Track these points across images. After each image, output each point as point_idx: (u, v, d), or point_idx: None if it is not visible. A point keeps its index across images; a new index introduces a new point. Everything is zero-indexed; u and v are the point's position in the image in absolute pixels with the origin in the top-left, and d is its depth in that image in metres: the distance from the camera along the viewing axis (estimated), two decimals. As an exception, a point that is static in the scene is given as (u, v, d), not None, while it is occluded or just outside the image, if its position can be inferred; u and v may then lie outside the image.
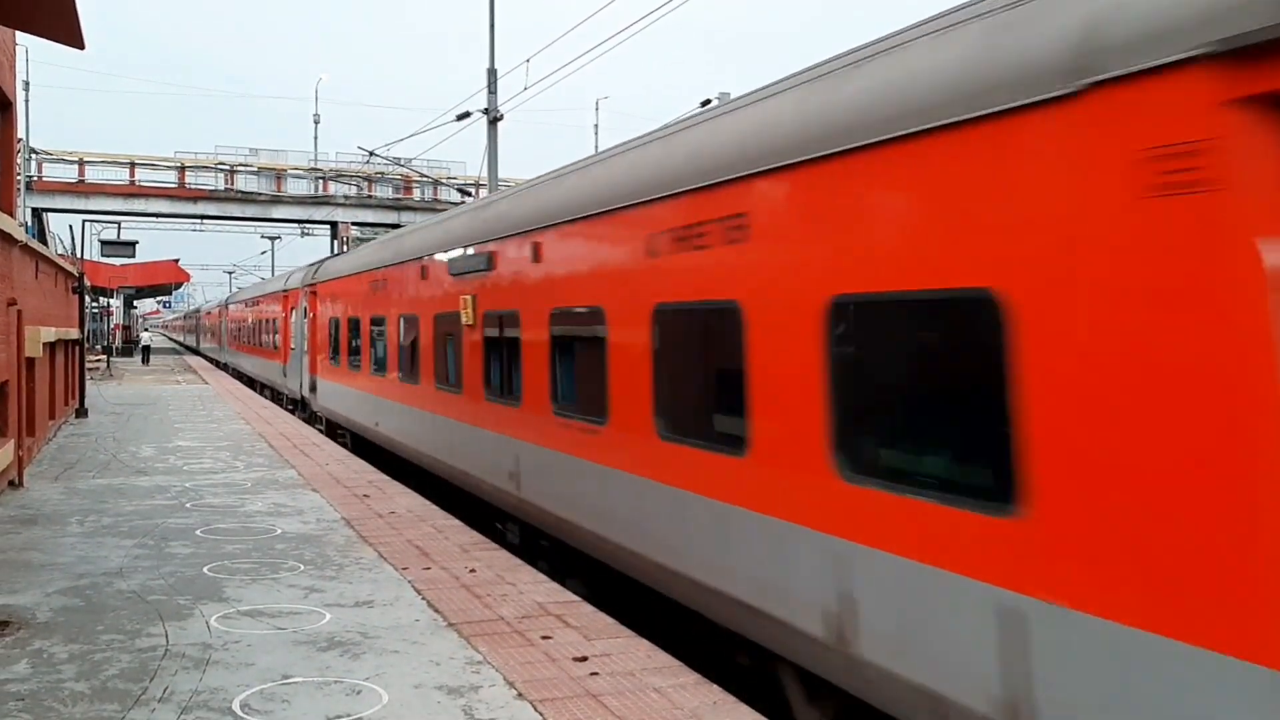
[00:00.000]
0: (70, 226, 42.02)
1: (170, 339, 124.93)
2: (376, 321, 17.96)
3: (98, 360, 50.30)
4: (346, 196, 69.02)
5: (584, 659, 6.92)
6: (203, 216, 70.18)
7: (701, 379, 7.65)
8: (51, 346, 20.53)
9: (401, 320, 16.09)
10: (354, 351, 20.04)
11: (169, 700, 6.11)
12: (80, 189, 64.67)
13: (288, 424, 23.64)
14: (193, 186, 67.64)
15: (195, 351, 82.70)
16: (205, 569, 9.50)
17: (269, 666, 6.76)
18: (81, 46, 10.06)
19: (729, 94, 27.29)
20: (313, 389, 25.17)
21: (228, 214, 70.00)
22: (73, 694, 6.23)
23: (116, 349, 67.50)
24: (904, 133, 5.30)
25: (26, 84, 40.98)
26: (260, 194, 69.06)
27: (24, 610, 8.13)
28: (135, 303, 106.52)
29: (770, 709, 6.73)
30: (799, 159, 6.16)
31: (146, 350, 64.25)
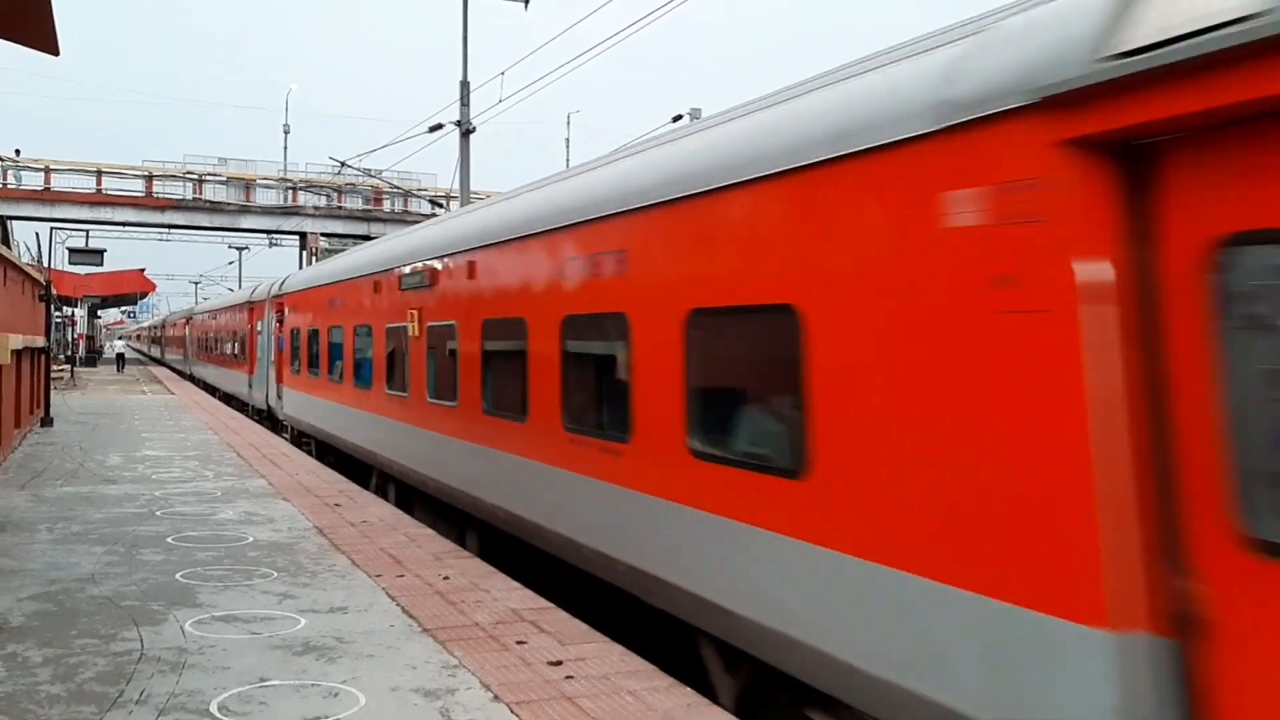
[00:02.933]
0: (36, 234, 41.64)
1: (134, 349, 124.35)
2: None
3: (61, 370, 49.91)
4: (316, 207, 68.63)
5: (559, 663, 7.02)
6: (170, 226, 69.45)
7: None
8: (18, 354, 20.35)
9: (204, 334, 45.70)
10: (204, 348, 46.83)
11: (146, 702, 6.15)
12: (46, 196, 63.93)
13: (257, 434, 23.53)
14: (160, 195, 66.93)
15: (159, 361, 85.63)
16: (178, 575, 9.50)
17: (245, 670, 6.80)
18: (56, 52, 10.04)
19: (700, 109, 27.49)
20: (190, 366, 52.59)
21: (195, 223, 69.33)
22: (49, 696, 6.25)
23: (80, 359, 67.23)
24: None
25: (-8, 91, 40.55)
26: (228, 204, 68.46)
27: (-4, 615, 8.11)
28: (100, 312, 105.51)
29: (745, 710, 6.84)
30: None
31: (121, 358, 66.76)
